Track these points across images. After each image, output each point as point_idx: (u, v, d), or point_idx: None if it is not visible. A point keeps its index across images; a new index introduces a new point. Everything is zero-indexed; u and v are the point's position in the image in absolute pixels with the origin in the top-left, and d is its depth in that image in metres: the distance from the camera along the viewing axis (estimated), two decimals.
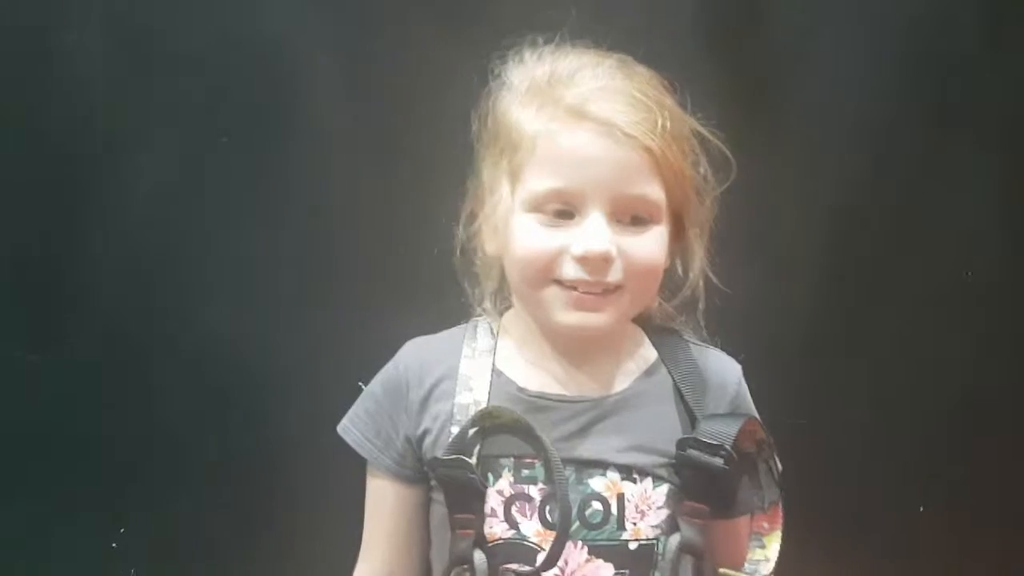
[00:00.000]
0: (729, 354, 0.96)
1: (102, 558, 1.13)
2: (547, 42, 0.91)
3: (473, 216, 0.94)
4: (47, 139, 1.09)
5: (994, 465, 1.19)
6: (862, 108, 1.13)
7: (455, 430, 0.87)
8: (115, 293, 1.11)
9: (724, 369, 0.94)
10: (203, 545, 1.13)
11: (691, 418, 0.89)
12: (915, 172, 1.17)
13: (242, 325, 1.11)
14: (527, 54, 0.91)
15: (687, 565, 0.86)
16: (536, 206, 0.85)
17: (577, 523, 0.85)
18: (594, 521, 0.85)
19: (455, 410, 0.88)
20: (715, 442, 0.84)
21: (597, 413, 0.88)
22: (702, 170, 0.91)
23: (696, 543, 0.84)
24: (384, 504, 0.94)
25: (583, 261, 0.83)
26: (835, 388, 1.18)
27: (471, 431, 0.86)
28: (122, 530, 1.13)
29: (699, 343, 0.95)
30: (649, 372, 0.92)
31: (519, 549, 0.85)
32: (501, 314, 0.95)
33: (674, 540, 0.84)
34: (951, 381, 1.18)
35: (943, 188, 1.17)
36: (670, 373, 0.92)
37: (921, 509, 1.18)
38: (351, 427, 0.94)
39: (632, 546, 0.85)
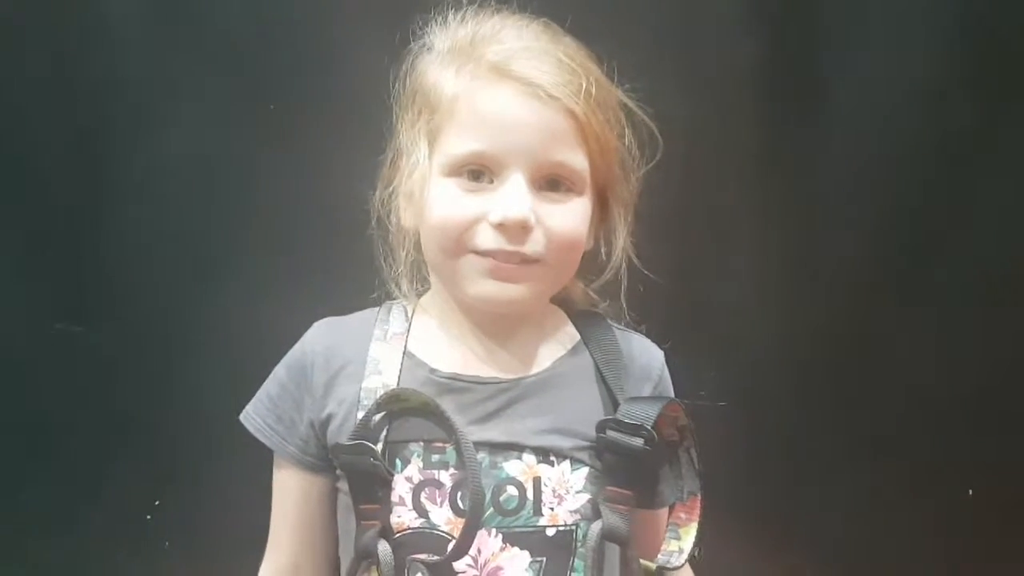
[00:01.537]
0: (653, 340, 0.93)
1: (137, 530, 1.13)
2: (471, 3, 0.87)
3: (389, 183, 0.89)
4: (78, 115, 1.09)
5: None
6: (807, 79, 1.13)
7: (361, 415, 0.81)
8: (151, 271, 1.12)
9: (647, 354, 0.91)
10: (236, 518, 1.07)
11: (612, 401, 0.86)
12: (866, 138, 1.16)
13: (272, 300, 1.10)
14: (450, 15, 0.87)
15: (611, 554, 0.81)
16: (454, 170, 0.81)
17: (491, 509, 0.80)
18: (509, 507, 0.80)
19: (362, 394, 0.82)
20: (635, 423, 0.81)
21: (513, 394, 0.84)
22: (627, 142, 0.88)
23: (620, 530, 0.80)
24: (288, 494, 0.88)
25: (501, 228, 0.79)
26: (760, 373, 1.16)
27: (377, 415, 0.80)
28: (157, 503, 1.13)
29: (622, 328, 0.92)
30: (570, 353, 0.88)
31: (428, 538, 0.80)
32: (418, 295, 0.90)
33: (596, 527, 0.80)
34: (897, 375, 1.18)
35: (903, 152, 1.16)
36: (592, 355, 0.88)
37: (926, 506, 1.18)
38: (253, 414, 0.88)
39: (549, 532, 0.80)
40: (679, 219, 1.05)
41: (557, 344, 0.89)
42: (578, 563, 0.81)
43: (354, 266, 1.00)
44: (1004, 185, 1.14)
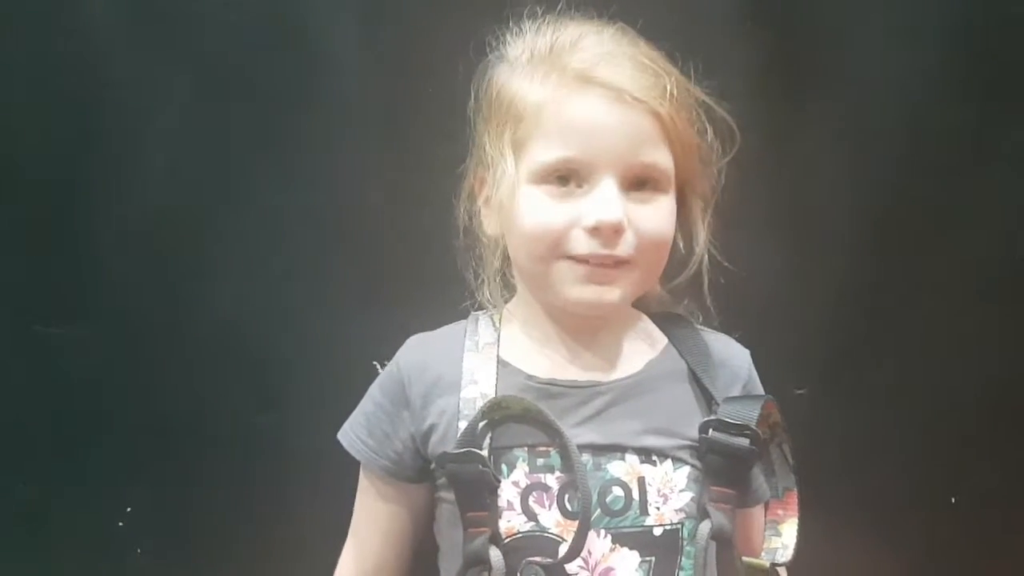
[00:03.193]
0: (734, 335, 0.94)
1: (108, 537, 1.11)
2: (545, 12, 0.88)
3: (473, 196, 0.91)
4: (65, 111, 1.07)
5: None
6: (883, 80, 1.10)
7: (463, 425, 0.82)
8: (126, 271, 1.09)
9: (734, 354, 0.92)
10: (209, 525, 1.11)
11: (707, 401, 0.86)
12: (943, 146, 1.12)
13: (254, 310, 1.09)
14: (526, 25, 0.88)
15: (712, 552, 0.82)
16: (543, 177, 0.82)
17: (598, 510, 0.81)
18: (615, 508, 0.81)
19: (461, 404, 0.84)
20: (740, 423, 0.82)
21: (610, 397, 0.85)
22: (709, 139, 0.89)
23: (726, 529, 0.81)
24: (379, 502, 0.91)
25: (595, 232, 0.80)
26: (842, 369, 1.13)
27: (480, 424, 0.82)
28: (128, 509, 1.11)
29: (705, 328, 0.93)
30: (661, 355, 0.89)
31: (539, 541, 0.81)
32: (502, 305, 0.92)
33: (705, 527, 0.81)
34: (979, 370, 1.14)
35: (973, 162, 1.12)
36: (683, 357, 0.89)
37: (953, 500, 1.16)
38: (348, 430, 0.91)
39: (657, 532, 0.81)
40: (756, 214, 1.04)
41: (646, 346, 0.90)
42: (685, 562, 0.82)
43: (342, 265, 1.04)
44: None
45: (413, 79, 1.05)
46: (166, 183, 1.08)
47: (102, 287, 1.09)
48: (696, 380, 0.87)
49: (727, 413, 0.83)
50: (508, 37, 0.88)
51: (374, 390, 0.91)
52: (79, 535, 1.11)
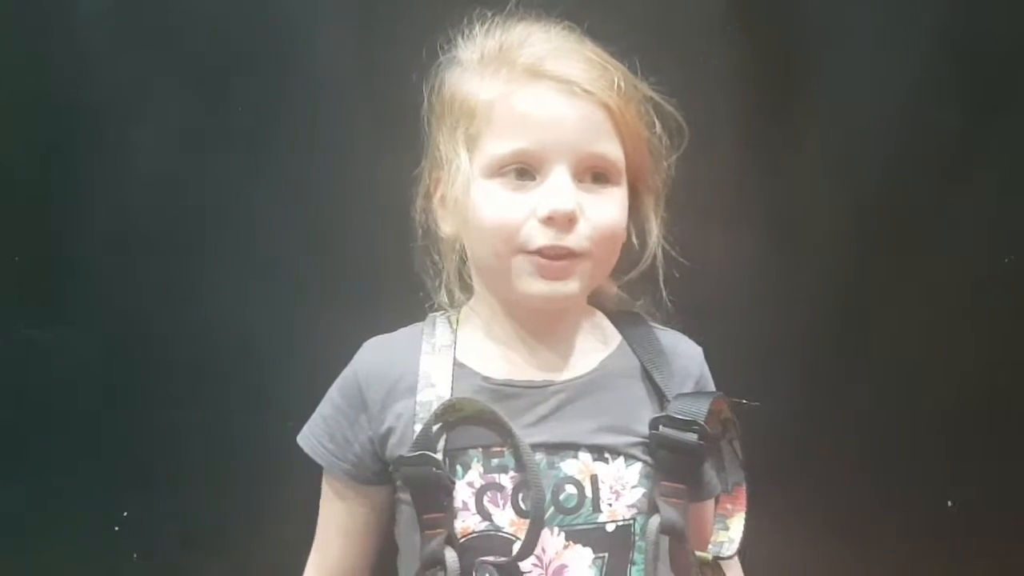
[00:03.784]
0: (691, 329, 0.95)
1: (105, 541, 1.12)
2: (495, 15, 0.89)
3: (429, 197, 0.91)
4: (50, 113, 1.08)
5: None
6: (846, 78, 1.11)
7: (419, 427, 0.84)
8: (119, 272, 1.10)
9: (687, 350, 0.94)
10: (206, 530, 1.12)
11: (660, 398, 0.88)
12: (908, 143, 1.13)
13: (244, 310, 1.10)
14: (476, 29, 0.89)
15: (663, 546, 0.84)
16: (497, 171, 0.83)
17: (552, 508, 0.82)
18: (569, 505, 0.83)
19: (417, 408, 0.85)
20: (687, 418, 0.83)
21: (565, 396, 0.86)
22: (657, 132, 0.91)
23: (677, 523, 0.82)
24: (341, 505, 0.92)
25: (549, 222, 0.81)
26: (796, 366, 1.14)
27: (435, 426, 0.83)
28: (125, 514, 1.12)
29: (658, 326, 0.94)
30: (615, 353, 0.91)
31: (494, 541, 0.82)
32: (460, 306, 0.93)
33: (654, 521, 0.82)
34: (961, 369, 1.16)
35: (947, 161, 1.13)
36: (636, 354, 0.90)
37: (949, 504, 1.17)
38: (308, 434, 0.92)
39: (609, 528, 0.83)
40: (706, 208, 1.05)
41: (601, 344, 0.91)
42: (637, 556, 0.83)
43: (327, 269, 1.05)
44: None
45: (366, 84, 1.05)
46: (153, 184, 1.09)
47: (95, 289, 1.10)
48: (648, 377, 0.89)
49: (676, 409, 0.84)
50: (459, 40, 0.89)
51: (332, 393, 0.92)
52: (75, 540, 1.12)
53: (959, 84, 1.11)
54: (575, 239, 0.82)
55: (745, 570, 0.95)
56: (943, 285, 1.14)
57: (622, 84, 0.84)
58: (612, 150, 0.84)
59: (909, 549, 1.16)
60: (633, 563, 0.83)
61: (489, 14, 0.88)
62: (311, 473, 0.93)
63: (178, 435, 1.11)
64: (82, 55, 1.07)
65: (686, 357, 0.92)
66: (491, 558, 0.82)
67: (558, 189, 0.81)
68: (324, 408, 0.92)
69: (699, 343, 0.95)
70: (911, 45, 1.11)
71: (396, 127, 0.97)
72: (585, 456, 0.84)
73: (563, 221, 0.81)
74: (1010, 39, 1.11)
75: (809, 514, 1.13)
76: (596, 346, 0.91)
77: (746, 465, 0.88)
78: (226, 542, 1.12)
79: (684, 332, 0.95)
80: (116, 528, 1.12)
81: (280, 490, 1.08)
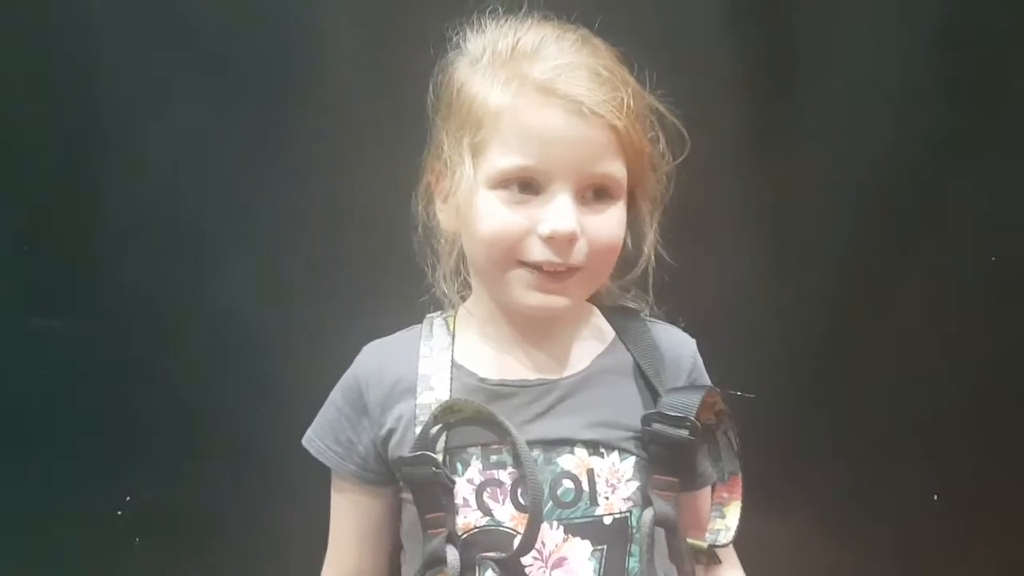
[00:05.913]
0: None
1: (107, 527, 1.11)
2: (506, 11, 0.88)
3: (430, 191, 0.91)
4: (63, 107, 1.07)
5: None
6: (841, 84, 1.14)
7: (419, 429, 0.85)
8: (128, 266, 1.10)
9: (680, 344, 0.96)
10: (207, 515, 1.12)
11: (652, 393, 0.90)
12: (905, 145, 1.17)
13: (252, 303, 1.10)
14: (487, 22, 0.88)
15: (659, 537, 0.87)
16: (500, 183, 0.83)
17: (550, 503, 0.84)
18: (566, 499, 0.85)
19: (417, 410, 0.86)
20: (679, 414, 0.85)
21: (560, 393, 0.88)
22: (660, 147, 0.92)
23: (670, 516, 0.85)
24: (351, 507, 0.93)
25: (549, 241, 0.82)
26: (784, 361, 1.18)
27: (435, 428, 0.84)
28: (128, 498, 1.12)
29: (652, 320, 0.96)
30: (608, 350, 0.92)
31: (495, 536, 0.84)
32: (460, 296, 0.94)
33: (648, 514, 0.85)
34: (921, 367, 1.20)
35: (943, 163, 1.17)
36: (628, 350, 0.92)
37: (935, 498, 1.22)
38: (313, 437, 0.93)
39: (607, 521, 0.85)
40: (702, 215, 1.08)
41: (595, 341, 0.93)
42: (635, 548, 0.86)
43: (331, 264, 1.05)
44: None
45: (372, 73, 1.05)
46: (160, 179, 1.08)
47: (99, 281, 1.09)
48: (642, 373, 0.91)
49: (668, 405, 0.86)
50: (469, 33, 0.88)
51: (335, 396, 0.92)
52: (78, 525, 1.11)
53: (955, 95, 1.15)
54: (574, 256, 0.83)
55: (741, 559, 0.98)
56: (928, 286, 1.18)
57: (631, 102, 0.84)
58: (615, 169, 0.84)
59: (895, 542, 1.21)
60: (631, 555, 0.85)
61: (501, 10, 0.88)
62: (310, 463, 0.92)
63: (180, 422, 1.11)
64: (90, 51, 1.06)
65: (678, 350, 0.94)
66: (492, 553, 0.83)
67: (560, 210, 0.81)
68: (328, 411, 0.92)
69: None
70: (915, 55, 1.14)
71: (408, 125, 0.97)
72: (581, 451, 0.86)
73: (563, 242, 0.82)
74: (1007, 39, 1.16)
75: (797, 508, 1.17)
76: (590, 343, 0.92)
77: (740, 454, 0.90)
78: (229, 527, 1.12)
79: None
80: (119, 513, 1.12)
81: (280, 479, 1.09)
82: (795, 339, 1.17)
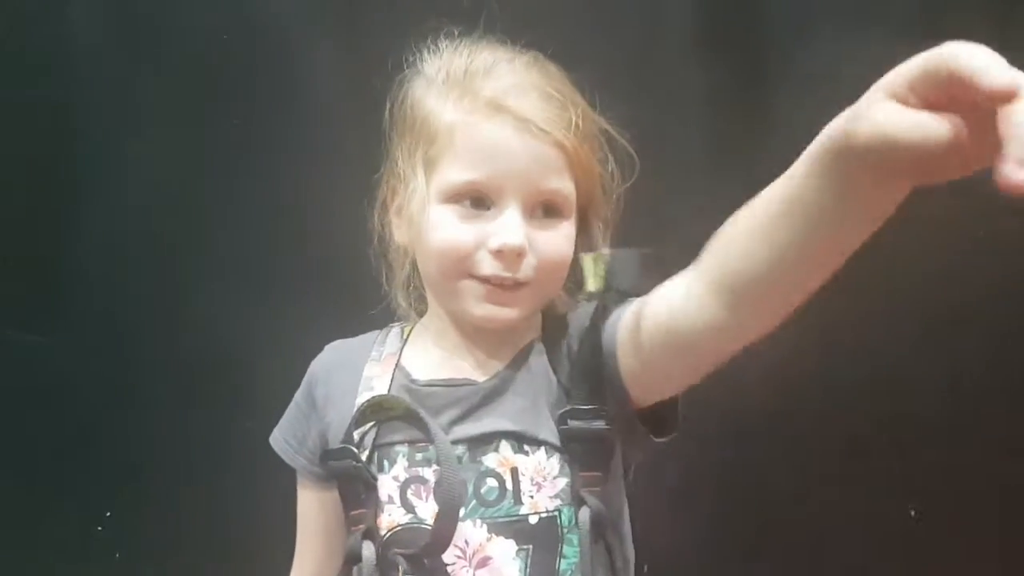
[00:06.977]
0: None
1: (88, 542, 1.13)
2: (462, 33, 0.93)
3: (386, 205, 0.95)
4: (46, 122, 1.12)
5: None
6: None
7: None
8: (104, 281, 1.14)
9: (581, 313, 0.91)
10: (188, 531, 1.14)
11: (565, 391, 0.88)
12: None
13: (234, 316, 1.13)
14: (443, 44, 0.93)
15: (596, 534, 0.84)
16: (452, 197, 0.86)
17: (474, 501, 0.84)
18: (490, 498, 0.84)
19: (356, 409, 0.88)
20: (591, 406, 0.84)
21: (485, 393, 0.88)
22: (609, 168, 0.94)
23: (602, 512, 0.83)
24: (308, 506, 0.96)
25: (498, 255, 0.84)
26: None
27: (367, 424, 0.86)
28: (108, 514, 1.14)
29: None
30: (529, 348, 0.91)
31: (417, 533, 0.84)
32: (419, 313, 0.96)
33: (585, 514, 0.83)
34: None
35: None
36: (544, 346, 0.91)
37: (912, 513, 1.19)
38: (276, 432, 0.97)
39: (532, 520, 0.84)
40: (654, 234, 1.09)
41: (522, 342, 0.92)
42: (568, 549, 0.83)
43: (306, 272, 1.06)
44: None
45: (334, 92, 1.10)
46: (133, 196, 1.13)
47: (80, 294, 1.14)
48: (554, 370, 0.89)
49: (579, 398, 0.85)
50: (425, 54, 0.93)
51: (298, 392, 0.97)
52: (59, 540, 1.13)
53: None
54: (522, 270, 0.85)
55: None
56: (905, 291, 1.17)
57: (580, 122, 0.87)
58: (564, 186, 0.87)
59: (870, 557, 1.17)
60: (564, 556, 0.83)
61: (456, 32, 0.93)
62: (291, 477, 0.95)
63: (162, 436, 1.14)
64: (76, 59, 1.12)
65: (577, 320, 0.90)
66: (404, 550, 0.83)
67: (509, 225, 0.84)
68: (289, 407, 0.97)
69: None
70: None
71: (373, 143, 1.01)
72: (506, 449, 0.86)
73: (512, 256, 0.84)
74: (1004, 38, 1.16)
75: (771, 522, 1.14)
76: (518, 345, 0.92)
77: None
78: (209, 542, 1.14)
79: None
80: (99, 528, 1.14)
81: (264, 492, 1.09)
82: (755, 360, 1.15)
